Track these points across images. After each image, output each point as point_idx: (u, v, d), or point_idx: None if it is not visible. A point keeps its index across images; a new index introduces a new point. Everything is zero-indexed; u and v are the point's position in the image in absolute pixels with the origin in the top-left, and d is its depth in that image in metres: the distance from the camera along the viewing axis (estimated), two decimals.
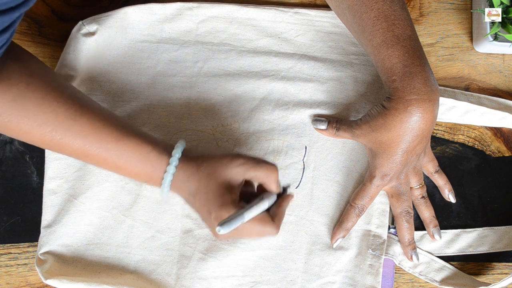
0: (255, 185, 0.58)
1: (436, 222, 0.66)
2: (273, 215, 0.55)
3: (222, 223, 0.49)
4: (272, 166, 0.55)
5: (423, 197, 0.65)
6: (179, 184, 0.56)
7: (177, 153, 0.55)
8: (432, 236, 0.65)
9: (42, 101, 0.53)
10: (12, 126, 0.53)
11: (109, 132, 0.55)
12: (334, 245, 0.64)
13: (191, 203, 0.57)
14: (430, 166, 0.66)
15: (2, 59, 0.51)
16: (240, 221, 0.50)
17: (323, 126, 0.65)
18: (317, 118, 0.66)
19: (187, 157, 0.56)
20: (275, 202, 0.56)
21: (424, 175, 0.67)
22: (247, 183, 0.58)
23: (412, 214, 0.64)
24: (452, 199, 0.67)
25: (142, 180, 0.58)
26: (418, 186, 0.64)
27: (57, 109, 0.53)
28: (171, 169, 0.55)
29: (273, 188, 0.56)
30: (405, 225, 0.63)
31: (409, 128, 0.56)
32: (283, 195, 0.57)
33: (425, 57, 0.57)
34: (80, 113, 0.54)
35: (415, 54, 0.56)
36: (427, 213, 0.65)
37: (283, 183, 0.63)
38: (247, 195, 0.57)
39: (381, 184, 0.62)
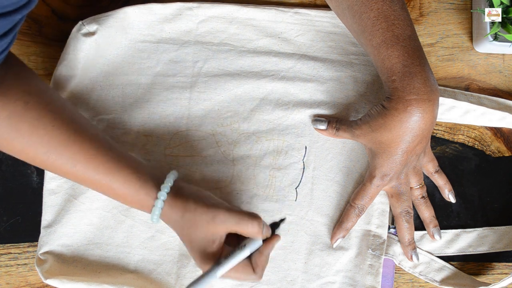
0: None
1: (436, 222, 0.66)
2: (255, 264, 0.55)
3: (191, 285, 0.51)
4: (255, 220, 0.54)
5: (423, 197, 0.65)
6: (167, 221, 0.57)
7: (161, 196, 0.55)
8: (432, 236, 0.65)
9: (38, 123, 0.52)
10: (5, 143, 0.53)
11: (100, 163, 0.55)
12: (334, 245, 0.64)
13: (178, 236, 0.58)
14: (430, 166, 0.66)
15: (2, 73, 0.51)
16: (212, 278, 0.52)
17: (323, 126, 0.65)
18: (317, 118, 0.66)
19: (174, 198, 0.55)
20: (258, 250, 0.56)
21: (424, 175, 0.67)
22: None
23: (412, 214, 0.64)
24: (452, 199, 0.67)
25: (133, 207, 0.58)
26: (418, 186, 0.64)
27: (51, 133, 0.53)
28: (157, 210, 0.55)
29: (258, 238, 0.55)
30: (405, 225, 0.63)
31: (409, 128, 0.56)
32: (270, 236, 0.57)
33: (425, 57, 0.57)
34: (73, 139, 0.54)
35: (415, 54, 0.56)
36: (427, 213, 0.65)
37: (278, 217, 0.61)
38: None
39: (381, 184, 0.62)
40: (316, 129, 0.66)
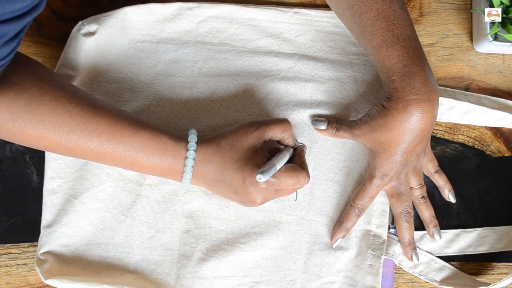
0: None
1: (436, 222, 0.66)
2: (300, 164, 0.59)
3: (262, 171, 0.53)
4: (285, 121, 0.59)
5: (423, 197, 0.65)
6: (201, 169, 0.58)
7: (193, 138, 0.58)
8: (432, 236, 0.65)
9: (56, 103, 0.53)
10: (28, 131, 0.53)
11: (125, 127, 0.56)
12: (334, 245, 0.64)
13: (218, 183, 0.59)
14: (430, 166, 0.66)
15: (13, 67, 0.52)
16: (274, 169, 0.55)
17: (323, 126, 0.65)
18: (317, 118, 0.66)
19: (204, 140, 0.58)
20: (295, 155, 0.61)
21: (424, 175, 0.67)
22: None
23: (412, 214, 0.64)
24: (452, 199, 0.67)
25: (162, 172, 0.59)
26: (418, 186, 0.64)
27: (71, 110, 0.54)
28: (191, 154, 0.57)
29: (290, 142, 0.61)
30: (405, 225, 0.63)
31: (409, 128, 0.56)
32: (297, 148, 0.62)
33: (425, 57, 0.57)
34: (94, 112, 0.55)
35: (415, 54, 0.56)
36: (427, 213, 0.65)
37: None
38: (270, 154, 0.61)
39: (381, 184, 0.62)
40: (316, 129, 0.66)
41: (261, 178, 0.53)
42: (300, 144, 0.64)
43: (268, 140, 0.59)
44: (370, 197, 0.63)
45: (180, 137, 0.58)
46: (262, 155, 0.58)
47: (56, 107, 0.53)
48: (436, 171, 0.66)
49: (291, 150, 0.61)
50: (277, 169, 0.56)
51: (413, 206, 0.65)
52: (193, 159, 0.57)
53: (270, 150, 0.62)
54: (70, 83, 0.57)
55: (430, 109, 0.56)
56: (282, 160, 0.57)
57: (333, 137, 0.65)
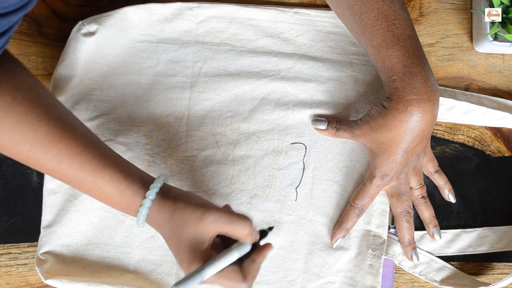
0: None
1: (436, 222, 0.66)
2: (246, 272, 0.53)
3: (177, 284, 0.48)
4: (245, 221, 0.52)
5: (423, 197, 0.65)
6: (153, 224, 0.55)
7: (150, 194, 0.53)
8: (432, 236, 0.65)
9: (24, 118, 0.50)
10: None
11: (86, 161, 0.53)
12: (334, 245, 0.64)
13: (165, 241, 0.55)
14: (430, 166, 0.66)
15: None
16: (199, 279, 0.49)
17: (323, 126, 0.65)
18: (317, 118, 0.66)
19: (163, 198, 0.54)
20: (251, 254, 0.54)
21: (424, 175, 0.67)
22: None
23: (412, 214, 0.64)
24: (452, 199, 0.67)
25: (116, 209, 0.56)
26: (418, 186, 0.64)
27: (38, 129, 0.51)
28: (144, 210, 0.53)
29: (247, 242, 0.53)
30: (405, 225, 0.63)
31: (409, 128, 0.56)
32: (261, 245, 0.55)
33: (425, 57, 0.57)
34: (59, 136, 0.52)
35: (415, 54, 0.56)
36: (427, 213, 0.65)
37: (266, 226, 0.61)
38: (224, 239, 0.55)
39: (381, 184, 0.62)
40: (316, 129, 0.66)
41: None
42: (266, 235, 0.55)
43: (222, 234, 0.53)
44: (370, 197, 0.63)
45: (140, 187, 0.54)
46: (205, 249, 0.52)
47: (23, 122, 0.50)
48: (436, 171, 0.66)
49: (247, 248, 0.53)
50: (204, 279, 0.50)
51: (413, 206, 0.65)
52: (146, 214, 0.54)
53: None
54: (51, 97, 0.54)
55: (430, 109, 0.56)
56: (218, 266, 0.51)
57: (333, 137, 0.65)
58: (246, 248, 0.53)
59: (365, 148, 0.65)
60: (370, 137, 0.60)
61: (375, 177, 0.61)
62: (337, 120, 0.65)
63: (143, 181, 0.54)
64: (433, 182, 0.67)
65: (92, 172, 0.53)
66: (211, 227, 0.52)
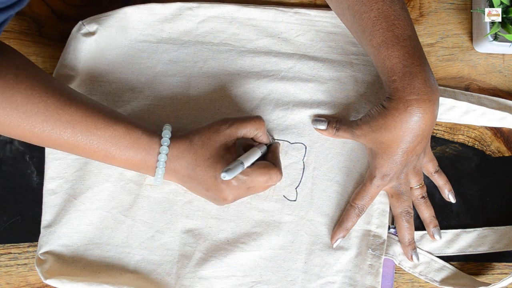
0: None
1: (436, 222, 0.66)
2: (272, 161, 0.60)
3: (226, 170, 0.53)
4: (258, 119, 0.59)
5: (423, 197, 0.65)
6: (174, 164, 0.58)
7: (166, 133, 0.57)
8: (432, 236, 0.65)
9: (31, 92, 0.53)
10: (1, 119, 0.52)
11: (99, 119, 0.55)
12: (334, 245, 0.64)
13: (190, 179, 0.58)
14: (430, 166, 0.66)
15: None
16: (241, 167, 0.54)
17: (323, 126, 0.65)
18: (317, 118, 0.66)
19: (177, 136, 0.59)
20: (268, 152, 0.61)
21: (424, 175, 0.67)
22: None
23: (412, 214, 0.64)
24: (452, 199, 0.67)
25: (135, 166, 0.58)
26: (418, 186, 0.64)
27: (46, 100, 0.53)
28: (164, 149, 0.57)
29: (264, 139, 0.61)
30: (405, 225, 0.63)
31: (409, 128, 0.56)
32: (271, 145, 0.63)
33: (425, 57, 0.57)
34: (69, 102, 0.54)
35: (415, 54, 0.56)
36: (427, 213, 0.65)
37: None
38: (243, 150, 0.61)
39: (381, 184, 0.62)
40: (316, 129, 0.66)
41: (225, 176, 0.53)
42: (275, 141, 0.64)
43: (240, 137, 0.59)
44: (370, 197, 0.63)
45: (154, 132, 0.58)
46: (234, 153, 0.58)
47: (31, 96, 0.52)
48: (436, 171, 0.66)
49: (264, 147, 0.61)
50: (245, 167, 0.55)
51: (413, 206, 0.65)
52: (166, 154, 0.57)
53: (244, 147, 0.62)
54: (46, 73, 0.56)
55: (430, 109, 0.56)
56: (251, 157, 0.57)
57: (333, 137, 0.65)
58: (264, 147, 0.61)
59: (365, 148, 0.65)
60: (370, 137, 0.60)
61: (375, 177, 0.61)
62: (337, 120, 0.65)
63: (155, 129, 0.59)
64: (433, 182, 0.67)
65: (107, 129, 0.56)
66: (231, 130, 0.58)
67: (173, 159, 0.57)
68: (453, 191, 0.67)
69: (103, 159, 0.57)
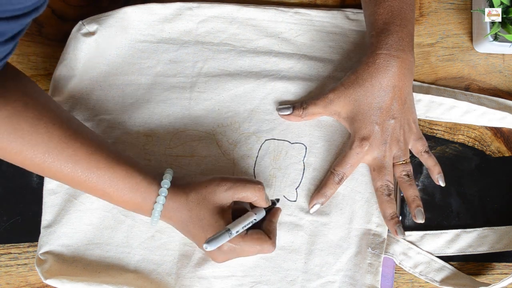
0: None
1: (420, 202, 0.63)
2: (267, 232, 0.58)
3: (209, 240, 0.52)
4: (258, 185, 0.58)
5: (407, 175, 0.63)
6: (169, 214, 0.57)
7: (165, 183, 0.57)
8: (414, 217, 0.63)
9: (38, 122, 0.52)
10: (5, 144, 0.52)
11: (102, 158, 0.55)
12: (311, 211, 0.64)
13: (184, 231, 0.58)
14: (419, 145, 0.64)
15: (2, 75, 0.51)
16: (227, 235, 0.53)
17: (288, 111, 0.64)
18: (281, 107, 0.65)
19: (176, 186, 0.57)
20: (266, 218, 0.60)
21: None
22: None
23: (393, 189, 0.63)
24: (441, 182, 0.65)
25: (130, 208, 0.58)
26: (402, 162, 0.63)
27: (52, 131, 0.53)
28: (161, 199, 0.56)
29: (262, 204, 0.59)
30: (385, 199, 0.62)
31: (378, 81, 0.58)
32: (271, 210, 0.61)
33: (411, 20, 0.59)
34: (74, 137, 0.54)
35: (399, 16, 0.58)
36: (410, 191, 0.63)
37: (272, 198, 0.64)
38: (240, 211, 0.59)
39: (361, 152, 0.61)
40: (282, 116, 0.65)
41: (207, 247, 0.52)
42: (274, 205, 0.62)
43: (237, 200, 0.58)
44: (351, 165, 0.62)
45: (154, 178, 0.57)
46: (227, 217, 0.57)
47: (37, 126, 0.52)
48: (426, 151, 0.64)
49: (262, 212, 0.59)
50: (234, 235, 0.54)
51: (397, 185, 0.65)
52: (162, 204, 0.57)
53: (250, 204, 0.61)
54: (56, 103, 0.56)
55: (398, 65, 0.57)
56: (241, 224, 0.55)
57: (304, 118, 0.64)
58: (262, 213, 0.59)
59: (344, 124, 0.64)
60: (344, 96, 0.61)
61: (354, 142, 0.62)
62: (303, 101, 0.64)
63: (154, 175, 0.58)
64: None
65: (108, 170, 0.55)
66: (229, 193, 0.56)
67: (169, 209, 0.57)
68: (442, 174, 0.65)
69: (100, 197, 0.57)
